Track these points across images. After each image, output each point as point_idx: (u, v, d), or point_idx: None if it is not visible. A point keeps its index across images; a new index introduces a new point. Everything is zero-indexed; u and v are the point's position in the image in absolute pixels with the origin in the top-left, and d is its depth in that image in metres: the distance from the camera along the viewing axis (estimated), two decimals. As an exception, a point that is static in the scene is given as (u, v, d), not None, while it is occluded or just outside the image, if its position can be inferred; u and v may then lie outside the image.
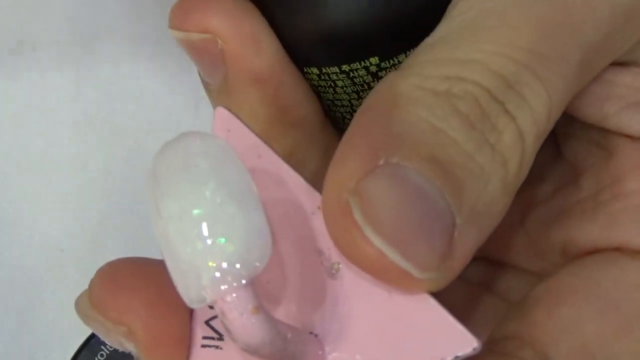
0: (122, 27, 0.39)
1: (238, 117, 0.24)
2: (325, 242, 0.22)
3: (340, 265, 0.22)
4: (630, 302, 0.23)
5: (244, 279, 0.19)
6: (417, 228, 0.19)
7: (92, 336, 0.38)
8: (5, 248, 0.39)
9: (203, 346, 0.23)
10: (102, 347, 0.38)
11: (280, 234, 0.23)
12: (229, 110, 0.24)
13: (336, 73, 0.25)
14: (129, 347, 0.23)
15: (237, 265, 0.19)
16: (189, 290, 0.19)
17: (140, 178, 0.39)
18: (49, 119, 0.39)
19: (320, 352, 0.22)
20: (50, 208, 0.39)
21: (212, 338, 0.23)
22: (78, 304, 0.24)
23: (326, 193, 0.20)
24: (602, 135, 0.25)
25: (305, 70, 0.26)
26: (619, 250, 0.24)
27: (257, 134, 0.23)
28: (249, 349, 0.20)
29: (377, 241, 0.19)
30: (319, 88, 0.27)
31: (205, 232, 0.19)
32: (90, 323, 0.24)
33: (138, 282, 0.23)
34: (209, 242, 0.19)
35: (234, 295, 0.19)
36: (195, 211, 0.19)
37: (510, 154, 0.21)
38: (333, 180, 0.20)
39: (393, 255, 0.19)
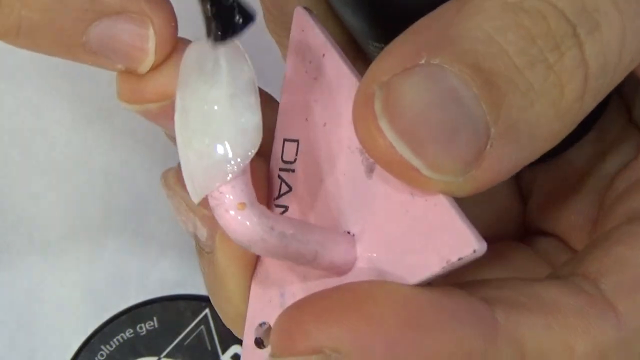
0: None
1: (314, 18, 0.24)
2: None
3: (375, 164, 0.21)
4: None
5: (228, 177, 0.20)
6: (438, 129, 0.19)
7: (92, 336, 0.38)
8: (5, 248, 0.39)
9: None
10: (102, 347, 0.38)
11: (329, 134, 0.23)
12: (307, 9, 0.24)
13: None
14: (200, 232, 0.24)
15: (223, 165, 0.20)
16: (192, 185, 0.21)
17: (140, 178, 0.39)
18: (49, 119, 0.39)
19: (351, 251, 0.22)
20: (50, 208, 0.39)
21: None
22: (166, 177, 0.24)
23: (360, 84, 0.20)
24: None
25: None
26: None
27: (327, 36, 0.23)
28: (242, 245, 0.20)
29: (389, 133, 0.19)
30: None
31: (197, 135, 0.21)
32: (172, 197, 0.24)
33: None
34: (200, 144, 0.20)
35: (219, 192, 0.20)
36: (194, 111, 0.21)
37: (569, 79, 0.20)
38: (370, 72, 0.20)
39: (402, 149, 0.19)
